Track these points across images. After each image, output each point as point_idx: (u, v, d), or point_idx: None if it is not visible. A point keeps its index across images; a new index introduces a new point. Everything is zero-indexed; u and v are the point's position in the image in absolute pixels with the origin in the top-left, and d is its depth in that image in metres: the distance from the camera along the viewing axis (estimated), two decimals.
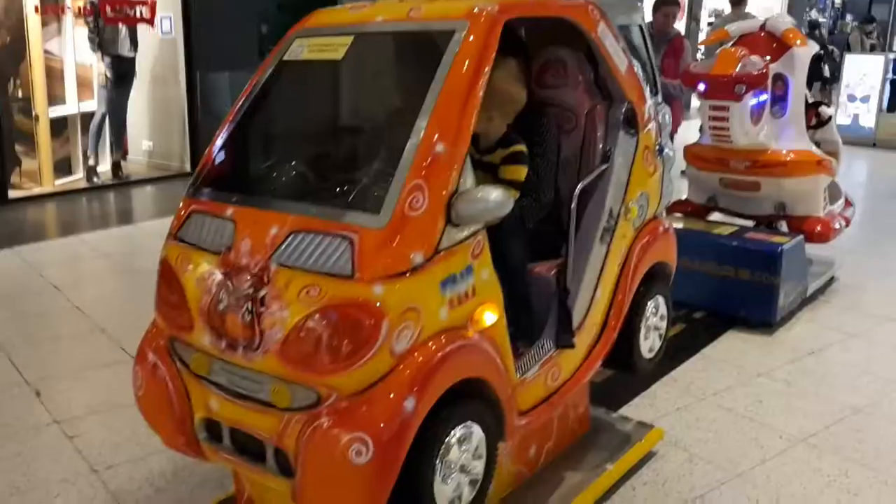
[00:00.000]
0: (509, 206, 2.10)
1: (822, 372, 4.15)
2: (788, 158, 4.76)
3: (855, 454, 3.31)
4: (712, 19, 16.98)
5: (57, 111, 7.79)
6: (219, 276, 2.08)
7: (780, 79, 4.66)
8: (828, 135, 5.19)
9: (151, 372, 2.31)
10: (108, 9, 7.46)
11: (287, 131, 2.73)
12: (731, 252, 4.61)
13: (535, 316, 2.60)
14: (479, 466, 2.21)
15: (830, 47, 13.86)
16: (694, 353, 4.30)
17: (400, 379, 1.95)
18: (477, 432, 2.18)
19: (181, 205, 2.37)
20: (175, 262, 2.24)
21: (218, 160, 2.42)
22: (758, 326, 4.65)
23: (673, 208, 5.21)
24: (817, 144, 5.02)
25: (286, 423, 2.02)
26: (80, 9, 7.50)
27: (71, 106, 7.97)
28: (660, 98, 3.26)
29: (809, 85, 5.08)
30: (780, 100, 4.71)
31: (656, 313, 3.07)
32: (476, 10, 2.25)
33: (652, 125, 2.95)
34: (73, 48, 7.85)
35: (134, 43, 7.89)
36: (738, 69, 4.31)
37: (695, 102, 13.59)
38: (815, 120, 5.13)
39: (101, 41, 7.60)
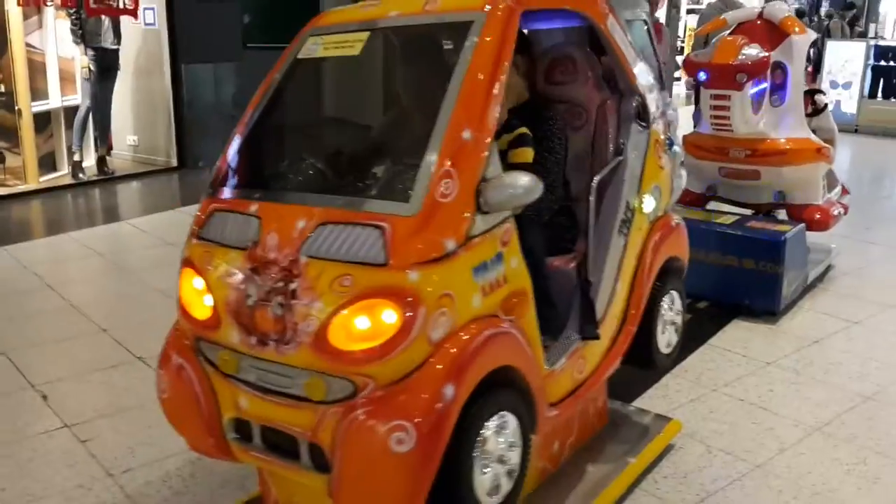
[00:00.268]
0: (538, 191, 2.10)
1: (829, 360, 4.19)
2: (788, 147, 4.78)
3: (870, 442, 3.34)
4: (693, 6, 17.09)
5: (40, 106, 7.63)
6: (246, 271, 2.06)
7: (778, 67, 4.67)
8: (824, 122, 5.22)
9: (177, 374, 2.27)
10: (90, 0, 7.30)
11: (307, 127, 2.71)
12: (734, 241, 4.63)
13: (556, 309, 2.59)
14: (514, 457, 2.20)
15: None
16: (701, 344, 4.32)
17: (438, 366, 1.94)
18: (511, 422, 2.17)
19: (201, 205, 2.35)
20: (198, 261, 2.20)
21: (237, 159, 2.40)
22: (761, 315, 4.68)
23: None
24: (814, 132, 5.04)
25: (321, 416, 1.99)
26: (62, 0, 7.33)
27: (54, 100, 7.81)
28: (667, 94, 3.27)
29: None
30: (778, 88, 4.72)
31: (672, 308, 3.09)
32: (494, 1, 2.25)
33: (661, 119, 2.97)
34: (56, 41, 7.68)
35: (117, 35, 7.74)
36: (739, 58, 4.30)
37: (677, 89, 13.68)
38: (812, 108, 5.16)
39: (84, 33, 7.44)
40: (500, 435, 2.13)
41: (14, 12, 7.15)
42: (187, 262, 2.27)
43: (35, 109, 7.51)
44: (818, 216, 4.96)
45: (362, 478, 1.95)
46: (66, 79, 7.88)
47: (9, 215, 7.06)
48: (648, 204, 2.90)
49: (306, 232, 2.02)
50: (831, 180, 5.30)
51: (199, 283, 2.20)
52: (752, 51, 4.32)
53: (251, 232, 2.11)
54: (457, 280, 2.00)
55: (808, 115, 5.02)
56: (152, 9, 8.18)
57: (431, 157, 2.00)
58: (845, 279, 5.48)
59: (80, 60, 7.66)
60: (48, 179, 7.84)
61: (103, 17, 7.48)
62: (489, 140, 2.09)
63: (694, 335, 4.40)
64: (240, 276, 2.07)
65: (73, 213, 7.47)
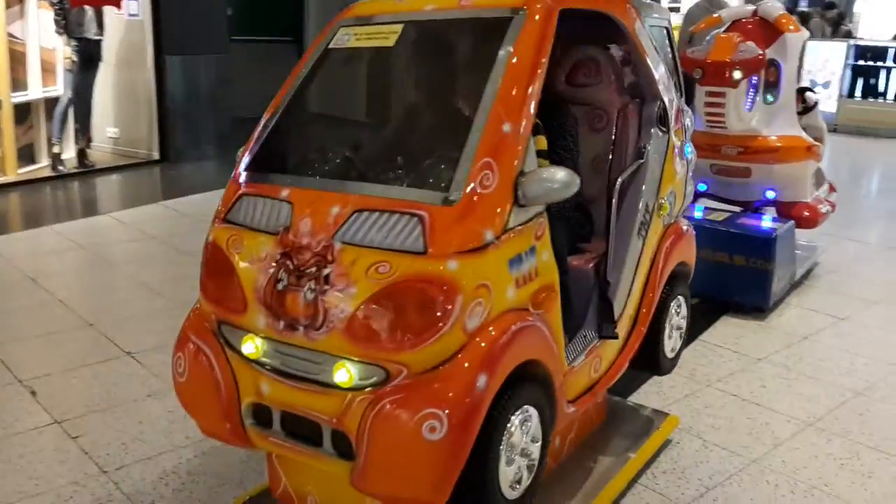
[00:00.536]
0: (575, 186, 2.10)
1: (819, 356, 4.23)
2: (779, 144, 4.81)
3: (862, 437, 3.37)
4: (673, 5, 17.15)
5: (20, 97, 7.48)
6: (277, 256, 2.04)
7: (772, 65, 4.70)
8: (813, 121, 5.26)
9: (195, 357, 2.24)
10: None
11: (338, 115, 2.70)
12: (726, 238, 4.66)
13: (572, 307, 2.59)
14: (535, 451, 2.21)
15: None
16: (692, 340, 4.33)
17: (472, 356, 1.94)
18: (534, 416, 2.18)
19: (228, 188, 2.33)
20: (226, 244, 2.18)
21: (265, 144, 2.39)
22: (750, 311, 4.72)
23: None
24: (804, 130, 5.08)
25: (348, 403, 1.98)
26: None
27: (35, 91, 7.67)
28: (684, 101, 3.29)
29: None
30: (772, 86, 4.76)
31: (678, 313, 3.13)
32: None
33: (679, 125, 3.00)
34: (38, 31, 7.54)
35: (100, 25, 7.61)
36: (735, 55, 4.32)
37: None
38: (802, 106, 5.20)
39: (68, 23, 7.31)
40: (524, 428, 2.14)
41: None
42: (213, 245, 2.25)
43: (15, 100, 7.36)
44: (807, 213, 5.01)
45: (391, 465, 1.94)
46: (46, 70, 7.74)
47: None
48: (664, 208, 2.94)
49: (340, 218, 2.01)
50: (819, 178, 5.35)
51: (224, 265, 2.18)
52: (749, 48, 4.33)
53: (282, 217, 2.11)
54: (493, 271, 2.01)
55: (799, 114, 5.05)
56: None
57: (472, 149, 2.00)
58: (830, 276, 5.54)
59: (63, 51, 7.53)
60: (27, 171, 7.70)
61: (87, 7, 7.35)
62: (528, 134, 2.10)
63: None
64: (270, 261, 2.06)
65: (53, 205, 7.35)
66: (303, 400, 2.07)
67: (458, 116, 2.19)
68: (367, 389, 1.96)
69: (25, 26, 7.48)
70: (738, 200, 5.16)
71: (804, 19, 12.00)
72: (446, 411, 1.86)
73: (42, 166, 7.89)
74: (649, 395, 3.69)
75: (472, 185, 1.96)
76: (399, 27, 2.38)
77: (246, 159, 2.36)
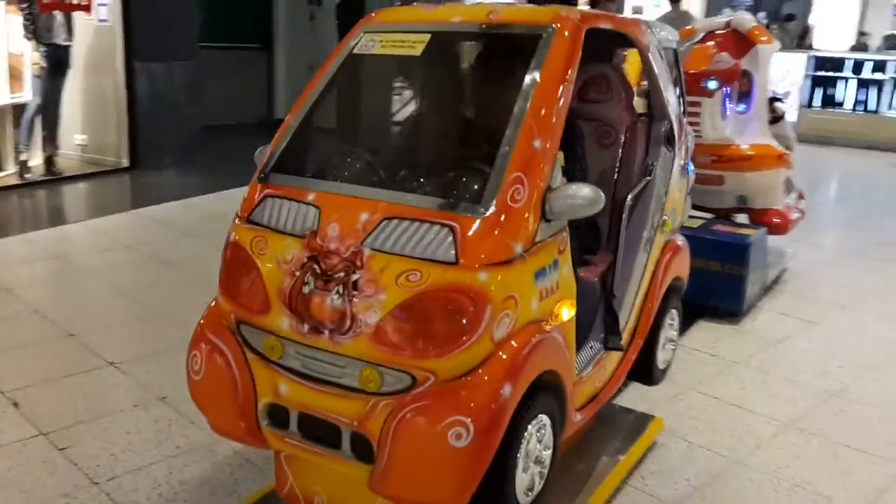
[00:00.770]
0: (601, 203, 2.15)
1: (793, 359, 4.35)
2: (752, 153, 4.95)
3: (840, 436, 3.48)
4: (637, 16, 17.44)
5: None
6: (304, 259, 2.06)
7: (745, 75, 4.84)
8: (782, 130, 5.42)
9: (212, 356, 2.25)
10: None
11: (365, 121, 2.72)
12: (702, 244, 4.74)
13: (581, 318, 2.65)
14: (548, 459, 2.26)
15: None
16: None
17: (498, 365, 1.98)
18: (548, 424, 2.23)
19: (251, 188, 2.34)
20: (249, 245, 2.20)
21: (291, 147, 2.40)
22: (724, 316, 4.83)
23: None
24: (774, 139, 5.22)
25: (371, 407, 2.00)
26: None
27: (2, 97, 7.52)
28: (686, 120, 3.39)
29: None
30: (744, 96, 4.89)
31: (672, 325, 3.21)
32: (562, 16, 2.32)
33: (683, 144, 3.09)
34: (5, 36, 7.40)
35: (70, 31, 7.51)
36: (711, 66, 4.44)
37: None
38: (771, 115, 5.34)
39: (37, 29, 7.19)
40: (539, 436, 2.19)
41: None
42: (235, 245, 2.26)
43: None
44: (778, 220, 5.15)
45: (415, 470, 1.97)
46: (14, 76, 7.59)
47: None
48: (668, 225, 3.04)
49: (370, 225, 2.04)
50: (788, 185, 5.50)
51: (247, 266, 2.20)
52: (723, 59, 4.46)
53: (309, 220, 2.13)
54: (520, 283, 2.05)
55: (769, 123, 5.20)
56: (106, 5, 7.96)
57: (504, 163, 2.04)
58: (798, 281, 5.69)
59: (32, 57, 7.40)
60: None
61: (56, 12, 7.25)
62: (556, 150, 2.15)
63: None
64: (296, 264, 2.08)
65: (21, 214, 7.21)
66: (323, 402, 2.09)
67: (488, 129, 2.22)
68: (392, 395, 1.99)
69: None
70: (712, 208, 5.29)
71: None
72: (472, 419, 1.90)
73: (9, 174, 7.74)
74: (634, 398, 3.75)
75: (503, 198, 2.00)
76: (426, 37, 2.39)
77: (269, 160, 2.37)
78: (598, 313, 2.76)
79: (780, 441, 3.43)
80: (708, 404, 3.74)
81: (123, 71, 8.10)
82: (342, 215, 2.09)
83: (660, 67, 2.88)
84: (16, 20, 7.31)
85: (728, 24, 4.94)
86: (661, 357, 3.21)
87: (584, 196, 2.11)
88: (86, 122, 8.61)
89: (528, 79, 2.19)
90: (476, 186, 2.06)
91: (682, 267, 3.27)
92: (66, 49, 7.58)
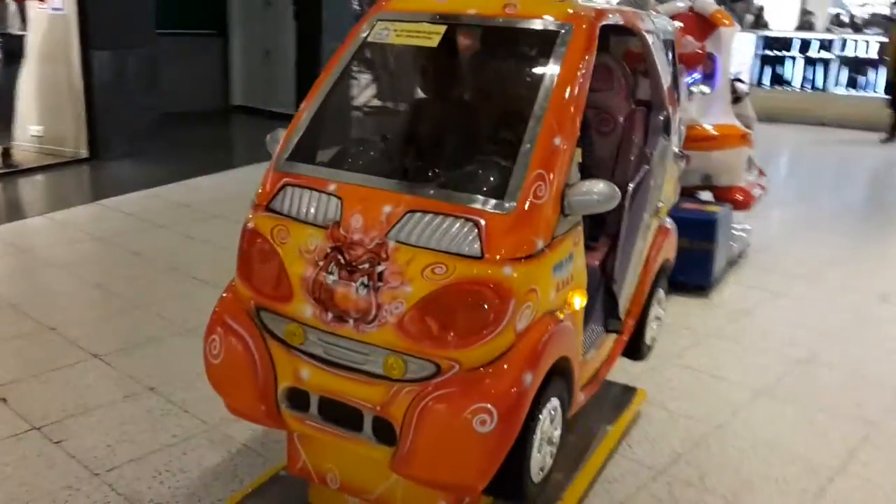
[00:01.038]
0: (616, 199, 2.21)
1: (761, 329, 4.53)
2: (716, 133, 5.10)
3: (811, 400, 3.67)
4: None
5: None
6: (327, 249, 2.10)
7: (709, 57, 4.97)
8: (744, 110, 5.59)
9: (232, 340, 2.28)
10: None
11: (384, 111, 2.74)
12: None
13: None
14: (557, 439, 2.36)
15: None
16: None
17: (521, 354, 2.06)
18: (559, 406, 2.32)
19: (268, 177, 2.36)
20: (271, 233, 2.22)
21: (308, 135, 2.41)
22: (693, 290, 5.00)
23: None
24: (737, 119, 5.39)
25: (394, 393, 2.07)
26: None
27: None
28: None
29: None
30: (708, 77, 5.03)
31: (660, 304, 3.33)
32: (578, 13, 2.37)
33: (677, 133, 3.19)
34: None
35: (24, 20, 7.33)
36: (678, 49, 4.55)
37: None
38: (734, 95, 5.51)
39: None
40: (552, 417, 2.29)
41: None
42: (254, 232, 2.28)
43: None
44: (741, 197, 5.33)
45: (439, 453, 2.04)
46: None
47: None
48: (663, 210, 3.14)
49: (394, 217, 2.08)
50: (750, 163, 5.68)
51: (268, 254, 2.22)
52: (689, 41, 4.58)
53: (332, 211, 2.16)
54: (541, 276, 2.12)
55: (731, 103, 5.36)
56: None
57: (526, 159, 2.10)
58: (760, 255, 5.91)
59: None
60: None
61: (9, 1, 7.06)
62: (574, 146, 2.21)
63: None
64: (320, 254, 2.11)
65: None
66: (346, 387, 2.15)
67: (507, 124, 2.27)
68: (416, 382, 2.06)
69: None
70: None
71: None
72: (496, 406, 1.98)
73: None
74: (615, 371, 3.83)
75: (526, 195, 2.06)
76: (442, 28, 2.41)
77: (286, 148, 2.39)
78: (598, 297, 2.85)
79: (756, 407, 3.59)
80: (685, 375, 3.89)
81: (79, 60, 7.92)
82: (365, 207, 2.13)
83: (660, 58, 2.97)
84: None
85: (691, 8, 5.07)
86: (649, 334, 3.33)
87: (601, 192, 2.17)
88: (41, 113, 8.39)
89: (547, 76, 2.23)
90: (498, 181, 2.12)
91: (671, 249, 3.40)
92: (20, 39, 7.40)
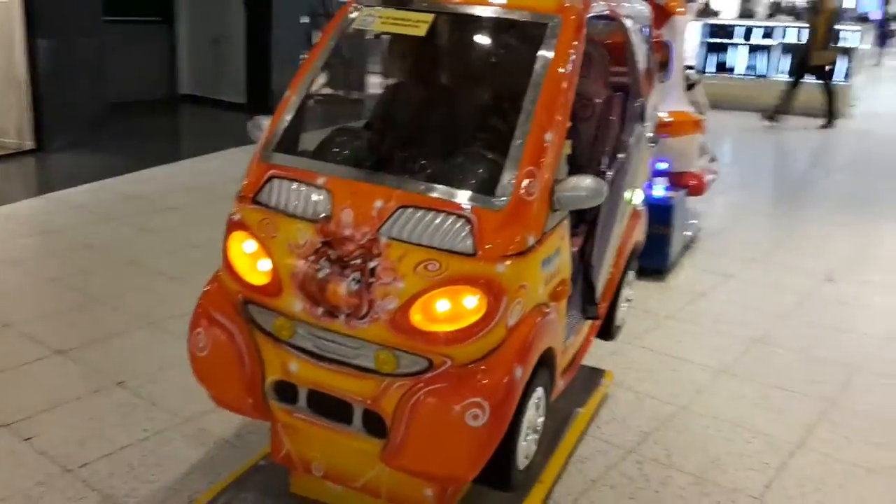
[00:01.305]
0: (603, 194, 2.25)
1: (716, 311, 4.68)
2: (671, 119, 5.21)
3: (769, 378, 3.81)
4: None
5: None
6: (317, 244, 2.09)
7: (664, 45, 5.08)
8: (697, 97, 5.73)
9: (221, 333, 2.27)
10: None
11: (371, 100, 2.72)
12: None
13: None
14: (541, 425, 2.41)
15: None
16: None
17: (511, 349, 2.10)
18: (543, 395, 2.37)
19: (254, 168, 2.33)
20: (258, 226, 2.20)
21: (293, 125, 2.39)
22: (650, 274, 5.12)
23: None
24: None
25: (385, 387, 2.09)
26: None
27: None
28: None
29: None
30: (663, 65, 5.14)
31: (630, 286, 3.41)
32: (566, 5, 2.38)
33: (651, 119, 3.26)
34: None
35: None
36: None
37: None
38: (686, 83, 5.63)
39: None
40: (537, 406, 2.34)
41: None
42: (239, 225, 2.26)
43: None
44: (695, 182, 5.46)
45: (431, 446, 2.07)
46: None
47: None
48: (638, 195, 3.21)
49: (385, 213, 2.08)
50: (702, 149, 5.83)
51: (253, 247, 2.21)
52: None
53: (321, 205, 2.14)
54: (531, 272, 2.16)
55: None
56: None
57: (517, 155, 2.11)
58: (710, 239, 6.09)
59: None
60: None
61: None
62: (563, 142, 2.23)
63: None
64: (310, 249, 2.10)
65: None
66: (336, 381, 2.16)
67: (495, 118, 2.28)
68: (407, 376, 2.08)
69: None
70: None
71: None
72: (488, 401, 2.02)
73: None
74: None
75: (517, 191, 2.08)
76: (429, 17, 2.38)
77: (272, 139, 2.36)
78: (576, 284, 2.91)
79: (717, 386, 3.73)
80: (648, 357, 4.01)
81: (24, 48, 7.68)
82: (355, 202, 2.12)
83: (639, 47, 3.03)
84: None
85: None
86: (620, 315, 3.42)
87: (588, 188, 2.20)
88: None
89: (536, 71, 2.24)
90: (489, 177, 2.13)
91: (641, 232, 3.48)
92: None
